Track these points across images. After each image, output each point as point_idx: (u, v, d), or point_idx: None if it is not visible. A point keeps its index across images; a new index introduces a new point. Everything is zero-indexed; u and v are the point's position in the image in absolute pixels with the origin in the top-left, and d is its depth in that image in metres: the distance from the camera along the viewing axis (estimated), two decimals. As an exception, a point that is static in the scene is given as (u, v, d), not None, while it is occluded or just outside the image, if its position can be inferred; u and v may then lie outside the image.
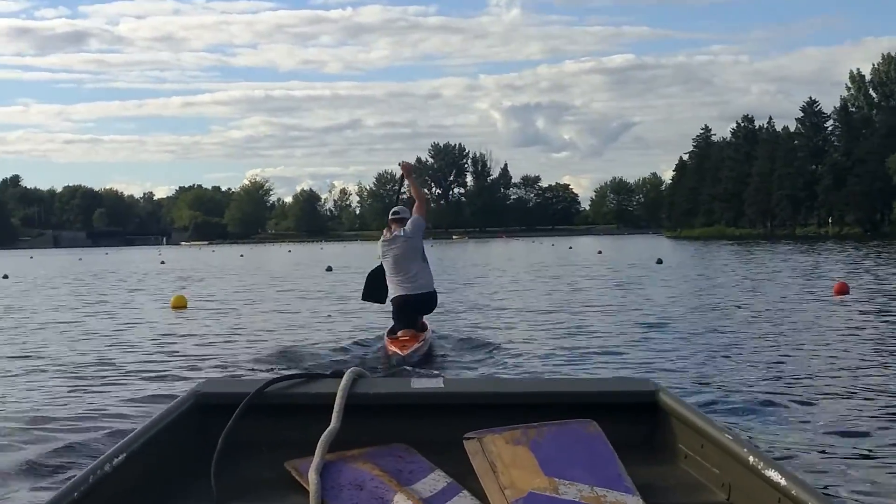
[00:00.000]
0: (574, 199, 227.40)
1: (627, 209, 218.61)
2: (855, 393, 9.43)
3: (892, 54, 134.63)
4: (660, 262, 44.02)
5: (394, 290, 12.41)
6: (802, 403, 8.82)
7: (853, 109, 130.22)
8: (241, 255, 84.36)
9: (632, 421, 3.78)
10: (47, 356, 13.77)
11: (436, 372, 10.62)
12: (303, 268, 51.28)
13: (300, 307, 22.24)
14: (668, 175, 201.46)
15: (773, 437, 7.44)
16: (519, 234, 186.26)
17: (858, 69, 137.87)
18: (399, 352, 11.47)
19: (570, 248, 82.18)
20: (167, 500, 3.16)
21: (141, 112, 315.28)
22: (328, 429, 3.36)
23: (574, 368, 11.28)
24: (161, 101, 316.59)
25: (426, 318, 13.06)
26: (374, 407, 3.72)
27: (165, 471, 3.35)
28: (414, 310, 12.48)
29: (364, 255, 74.27)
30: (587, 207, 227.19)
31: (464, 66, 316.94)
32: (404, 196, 14.67)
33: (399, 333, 12.20)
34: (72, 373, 11.96)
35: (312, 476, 3.08)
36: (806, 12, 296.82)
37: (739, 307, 19.52)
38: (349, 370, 3.80)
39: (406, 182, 13.52)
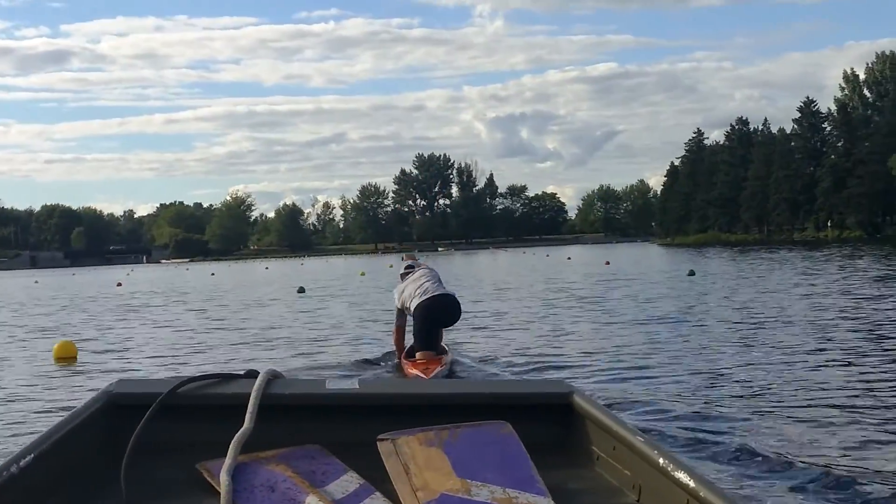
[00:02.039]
0: (561, 207, 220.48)
1: (615, 217, 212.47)
2: (777, 400, 9.44)
3: (887, 53, 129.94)
4: (692, 273, 36.64)
5: (420, 297, 11.88)
6: (719, 408, 9.02)
7: (848, 110, 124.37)
8: (213, 274, 76.51)
9: (546, 423, 3.71)
10: None
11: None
12: (273, 288, 43.64)
13: (234, 361, 14.55)
14: (653, 182, 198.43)
15: (686, 439, 7.54)
16: (506, 245, 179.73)
17: (853, 69, 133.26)
18: (422, 375, 10.73)
19: (569, 258, 74.60)
20: (77, 501, 3.06)
21: (123, 130, 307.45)
22: (241, 430, 3.23)
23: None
24: (143, 119, 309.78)
25: (444, 341, 12.62)
26: (289, 408, 3.58)
27: (75, 471, 3.24)
28: (441, 314, 12.02)
29: (346, 272, 67.50)
30: (573, 216, 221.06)
31: (448, 77, 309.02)
32: None
33: (418, 356, 11.71)
34: None
35: (224, 477, 2.98)
36: (788, 18, 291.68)
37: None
38: (264, 370, 3.63)
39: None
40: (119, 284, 57.94)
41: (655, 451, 3.09)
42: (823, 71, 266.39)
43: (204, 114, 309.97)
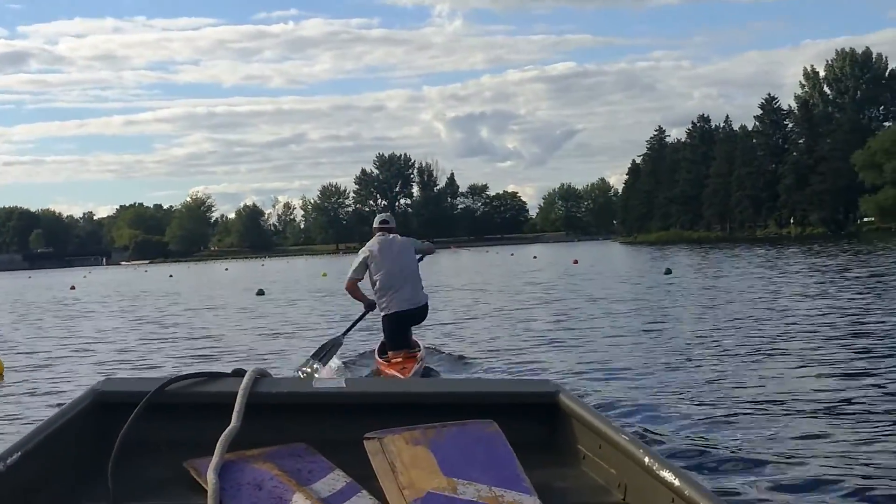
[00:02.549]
0: (522, 206, 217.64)
1: (576, 216, 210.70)
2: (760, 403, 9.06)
3: (847, 50, 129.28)
4: (668, 272, 35.01)
5: (387, 306, 11.34)
6: (703, 406, 8.89)
7: (809, 107, 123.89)
8: (171, 276, 74.19)
9: (532, 422, 3.72)
10: None
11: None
12: (231, 291, 41.66)
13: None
14: (613, 180, 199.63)
15: (671, 438, 7.45)
16: (467, 244, 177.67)
17: (812, 66, 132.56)
18: (399, 375, 10.29)
19: (535, 257, 72.96)
20: (64, 499, 3.06)
21: (82, 132, 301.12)
22: (228, 428, 3.21)
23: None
24: (102, 121, 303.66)
25: (416, 336, 12.31)
26: (276, 406, 3.57)
27: (62, 470, 3.20)
28: (410, 321, 11.66)
29: (307, 273, 65.58)
30: (534, 215, 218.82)
31: (407, 77, 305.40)
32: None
33: (390, 355, 11.29)
34: None
35: (211, 476, 2.97)
36: (746, 17, 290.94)
37: None
38: (251, 369, 3.60)
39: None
40: (73, 288, 55.66)
41: (641, 451, 3.07)
42: (781, 69, 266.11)
43: (163, 115, 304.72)
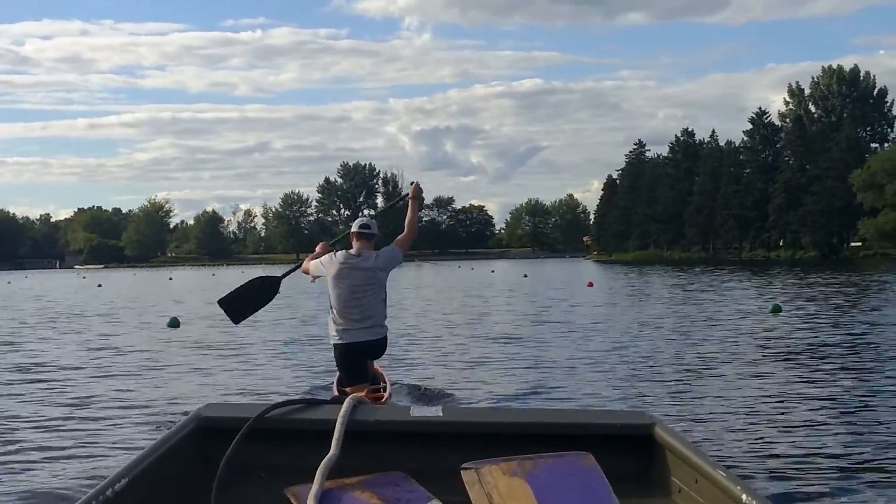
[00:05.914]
0: (488, 220, 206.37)
1: (543, 231, 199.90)
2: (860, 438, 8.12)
3: (833, 67, 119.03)
4: (776, 310, 22.95)
5: (337, 334, 9.27)
6: (798, 441, 8.05)
7: (787, 122, 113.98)
8: (99, 286, 61.07)
9: (628, 454, 3.62)
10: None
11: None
12: (147, 314, 29.18)
13: None
14: (579, 197, 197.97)
15: (771, 474, 6.80)
16: (431, 258, 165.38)
17: (798, 82, 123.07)
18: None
19: (525, 276, 60.52)
20: None
21: (46, 134, 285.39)
22: (328, 456, 3.18)
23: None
24: (67, 123, 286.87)
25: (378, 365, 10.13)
26: (374, 434, 3.54)
27: (167, 494, 3.18)
28: (360, 358, 9.43)
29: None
30: (500, 230, 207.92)
31: (374, 89, 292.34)
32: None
33: (349, 391, 8.99)
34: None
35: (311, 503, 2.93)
36: (711, 40, 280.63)
37: None
38: (349, 397, 3.60)
39: (406, 204, 10.26)
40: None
41: (738, 487, 2.96)
42: (745, 93, 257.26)
43: (128, 119, 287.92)
